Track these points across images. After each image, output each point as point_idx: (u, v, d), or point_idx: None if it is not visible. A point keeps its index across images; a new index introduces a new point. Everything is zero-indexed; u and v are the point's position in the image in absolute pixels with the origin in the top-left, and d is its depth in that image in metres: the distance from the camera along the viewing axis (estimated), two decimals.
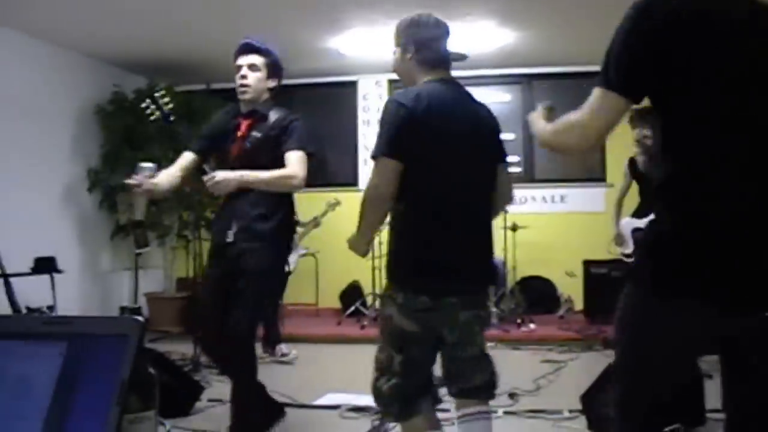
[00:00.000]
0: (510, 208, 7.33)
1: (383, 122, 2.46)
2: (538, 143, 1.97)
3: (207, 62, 7.34)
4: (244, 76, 3.44)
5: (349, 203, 7.05)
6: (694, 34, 1.54)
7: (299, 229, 6.24)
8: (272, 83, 3.53)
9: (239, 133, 3.43)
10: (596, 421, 3.69)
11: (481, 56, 7.32)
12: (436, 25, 2.61)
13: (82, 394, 0.87)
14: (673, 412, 1.77)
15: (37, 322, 0.97)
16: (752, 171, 1.54)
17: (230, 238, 3.37)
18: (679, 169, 1.60)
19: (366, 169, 8.49)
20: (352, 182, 8.49)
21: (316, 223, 6.67)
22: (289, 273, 6.21)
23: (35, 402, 0.87)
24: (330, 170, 8.85)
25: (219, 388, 4.33)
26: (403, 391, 2.45)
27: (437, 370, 2.65)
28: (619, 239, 5.29)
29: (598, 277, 7.19)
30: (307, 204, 6.66)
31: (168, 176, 3.43)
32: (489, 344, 6.72)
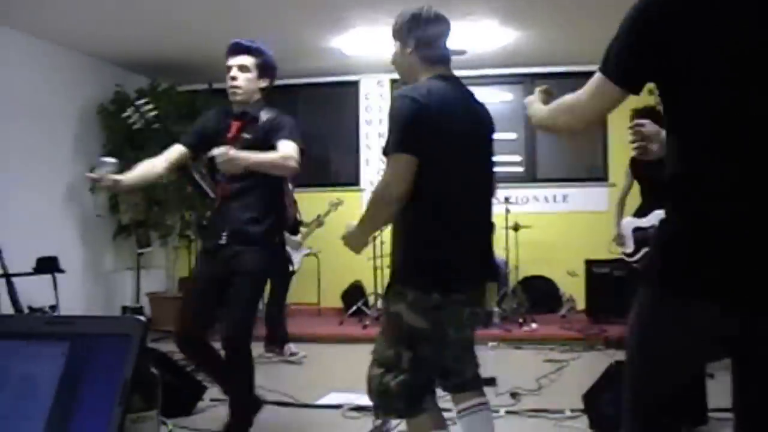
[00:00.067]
0: (512, 207, 7.43)
1: (395, 118, 2.42)
2: (534, 124, 1.98)
3: (209, 62, 7.34)
4: (234, 78, 3.41)
5: (351, 203, 7.07)
6: (694, 25, 1.53)
7: (302, 229, 6.25)
8: (263, 83, 3.48)
9: (230, 135, 3.42)
10: (598, 420, 3.69)
11: (483, 56, 7.32)
12: (437, 21, 2.58)
13: (84, 394, 0.87)
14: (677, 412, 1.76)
15: (40, 321, 0.97)
16: (757, 168, 1.52)
17: (223, 241, 3.39)
18: (684, 167, 1.60)
19: (368, 169, 8.50)
20: (353, 182, 8.49)
21: (319, 222, 6.67)
22: (293, 272, 6.22)
23: (38, 402, 0.87)
24: (332, 170, 8.86)
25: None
26: (410, 387, 2.43)
27: None
28: (619, 239, 5.28)
29: (600, 277, 7.19)
30: (309, 204, 6.68)
31: (147, 167, 3.42)
32: (491, 344, 6.77)
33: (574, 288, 7.72)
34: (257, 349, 5.61)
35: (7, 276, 4.49)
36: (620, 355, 5.60)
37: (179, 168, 3.54)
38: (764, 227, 1.50)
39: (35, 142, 6.47)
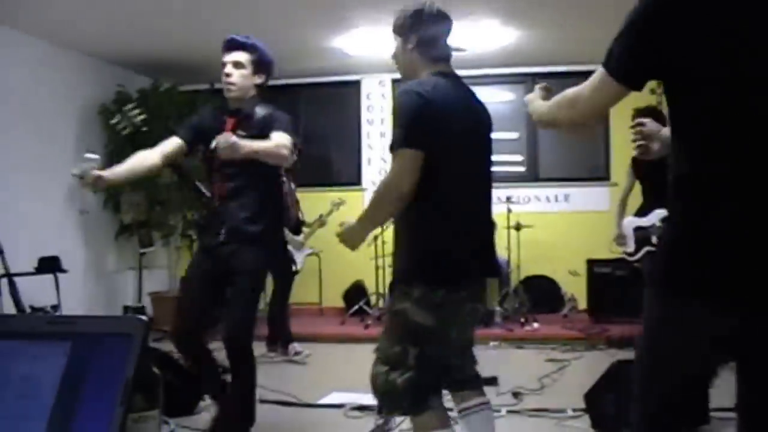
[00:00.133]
0: (514, 207, 7.43)
1: (401, 113, 2.40)
2: (535, 120, 1.98)
3: (211, 62, 7.29)
4: (228, 74, 3.40)
5: (353, 203, 7.06)
6: (695, 24, 1.52)
7: (305, 229, 6.25)
8: (259, 80, 3.46)
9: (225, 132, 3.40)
10: (600, 419, 3.69)
11: (484, 55, 7.32)
12: (440, 18, 2.57)
13: (86, 394, 0.87)
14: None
15: (42, 321, 0.97)
16: (758, 168, 1.51)
17: (222, 238, 3.39)
18: (686, 167, 1.59)
19: (369, 168, 8.50)
20: (355, 182, 8.49)
21: (321, 222, 6.67)
22: (297, 272, 6.22)
23: (39, 402, 0.88)
24: (333, 170, 8.87)
25: None
26: (417, 384, 2.43)
27: None
28: (620, 239, 5.28)
29: (602, 276, 7.19)
30: (311, 204, 6.68)
31: (138, 159, 3.37)
32: (493, 343, 6.76)
33: (575, 287, 7.71)
34: (259, 348, 5.63)
35: (9, 276, 4.50)
36: (622, 355, 5.63)
37: (174, 168, 3.51)
38: (764, 227, 1.50)
39: (37, 143, 6.47)
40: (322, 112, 8.79)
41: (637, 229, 5.09)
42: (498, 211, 6.40)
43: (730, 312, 1.51)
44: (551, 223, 7.92)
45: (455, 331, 2.55)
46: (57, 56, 6.81)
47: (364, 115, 8.63)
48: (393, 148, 2.39)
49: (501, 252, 6.08)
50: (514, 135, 8.10)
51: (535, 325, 6.98)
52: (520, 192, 7.91)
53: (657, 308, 1.65)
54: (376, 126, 8.56)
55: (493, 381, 4.79)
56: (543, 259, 7.84)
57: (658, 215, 4.91)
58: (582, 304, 7.62)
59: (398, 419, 3.79)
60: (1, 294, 4.77)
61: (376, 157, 8.52)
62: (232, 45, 3.44)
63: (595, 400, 3.72)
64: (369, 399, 4.32)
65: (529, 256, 7.61)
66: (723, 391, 1.74)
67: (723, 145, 1.54)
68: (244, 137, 3.31)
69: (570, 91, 1.75)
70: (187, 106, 7.16)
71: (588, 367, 5.36)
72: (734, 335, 1.55)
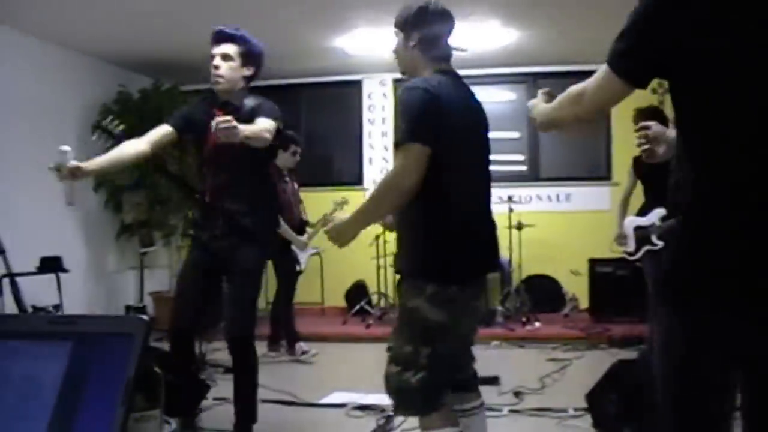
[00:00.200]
0: (515, 206, 7.43)
1: (407, 108, 2.38)
2: (539, 127, 1.97)
3: None
4: (216, 67, 3.37)
5: (354, 202, 7.04)
6: (699, 23, 1.50)
7: (308, 229, 6.25)
8: (248, 72, 3.44)
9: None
10: (601, 419, 3.69)
11: (486, 55, 7.32)
12: (443, 16, 2.57)
13: (87, 394, 0.87)
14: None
15: (43, 321, 0.97)
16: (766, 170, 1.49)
17: (216, 232, 3.39)
18: (691, 170, 1.57)
19: (371, 168, 8.51)
20: (356, 181, 8.50)
21: (325, 221, 6.65)
22: (300, 272, 6.22)
23: (41, 401, 0.88)
24: (334, 169, 8.87)
25: (224, 386, 4.34)
26: (430, 384, 2.42)
27: None
28: (620, 239, 5.28)
29: (604, 276, 7.19)
30: (313, 203, 6.68)
31: (122, 149, 3.36)
32: (494, 342, 6.76)
33: (577, 287, 7.71)
34: (261, 348, 5.63)
35: (11, 275, 4.50)
36: (623, 354, 5.63)
37: (160, 169, 3.47)
38: None
39: (38, 143, 6.45)
40: (323, 112, 8.80)
41: (637, 229, 5.09)
42: (499, 210, 6.42)
43: (744, 320, 1.49)
44: (552, 223, 7.92)
45: (465, 328, 2.55)
46: (58, 56, 6.81)
47: (366, 115, 8.63)
48: (398, 143, 2.36)
49: (502, 251, 6.08)
50: (515, 134, 8.10)
51: (537, 324, 6.98)
52: (521, 191, 7.90)
53: (665, 317, 1.61)
54: (378, 126, 8.57)
55: (494, 380, 4.80)
56: (544, 259, 7.83)
57: (657, 214, 4.92)
58: (583, 303, 7.62)
59: (400, 419, 3.79)
60: (2, 294, 4.77)
61: (378, 156, 8.53)
62: (221, 37, 3.42)
63: (597, 400, 3.72)
64: (370, 398, 4.34)
65: (530, 256, 7.61)
66: None
67: (732, 147, 1.51)
68: None
69: (574, 88, 1.74)
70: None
71: (589, 366, 5.36)
72: (746, 342, 1.52)
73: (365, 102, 8.62)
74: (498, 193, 6.98)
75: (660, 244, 4.90)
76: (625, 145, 5.09)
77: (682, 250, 1.58)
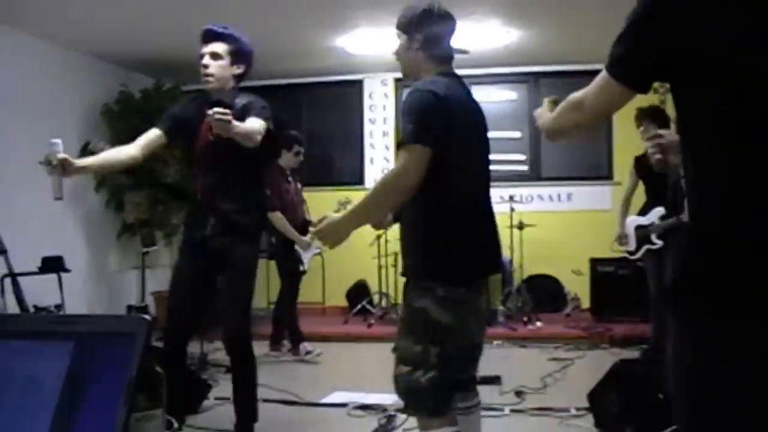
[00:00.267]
0: (516, 206, 7.43)
1: (414, 110, 2.39)
2: (546, 135, 1.96)
3: None
4: (206, 65, 3.36)
5: (355, 202, 7.05)
6: (698, 24, 1.49)
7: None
8: (238, 70, 3.42)
9: (204, 123, 3.33)
10: (603, 418, 3.69)
11: (487, 55, 7.31)
12: (446, 18, 2.57)
13: (89, 393, 0.87)
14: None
15: (45, 321, 0.97)
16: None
17: (209, 232, 3.37)
18: (694, 173, 1.55)
19: (372, 167, 8.51)
20: (357, 181, 8.50)
21: None
22: (304, 272, 6.21)
23: (43, 401, 0.88)
24: (336, 169, 8.88)
25: (226, 386, 4.34)
26: (440, 384, 2.42)
27: None
28: (622, 239, 5.28)
29: (605, 275, 7.20)
30: (315, 203, 6.67)
31: (114, 152, 3.36)
32: (496, 342, 6.75)
33: (578, 286, 7.71)
34: (262, 348, 5.63)
35: (13, 275, 4.50)
36: (625, 354, 5.63)
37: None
38: None
39: (39, 143, 6.44)
40: (324, 111, 8.80)
41: (638, 228, 5.10)
42: (501, 210, 6.39)
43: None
44: (554, 223, 7.92)
45: (472, 328, 2.55)
46: (59, 56, 6.82)
47: (367, 115, 8.63)
48: (402, 143, 2.38)
49: (504, 251, 6.08)
50: (516, 134, 8.10)
51: (538, 324, 6.98)
52: (522, 191, 7.90)
53: (677, 325, 1.54)
54: (379, 125, 8.57)
55: (496, 380, 4.80)
56: (546, 259, 7.83)
57: (657, 213, 4.92)
58: (585, 303, 7.62)
59: (401, 418, 3.80)
60: (4, 294, 4.78)
61: (379, 156, 8.53)
62: (210, 35, 3.41)
63: (598, 399, 3.72)
64: (372, 398, 4.35)
65: (531, 256, 7.61)
66: None
67: (735, 150, 1.49)
68: None
69: (574, 95, 1.73)
70: None
71: (591, 366, 5.36)
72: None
73: (366, 101, 8.63)
74: (499, 193, 6.99)
75: (659, 243, 4.91)
76: (626, 144, 5.09)
77: (692, 253, 1.55)
